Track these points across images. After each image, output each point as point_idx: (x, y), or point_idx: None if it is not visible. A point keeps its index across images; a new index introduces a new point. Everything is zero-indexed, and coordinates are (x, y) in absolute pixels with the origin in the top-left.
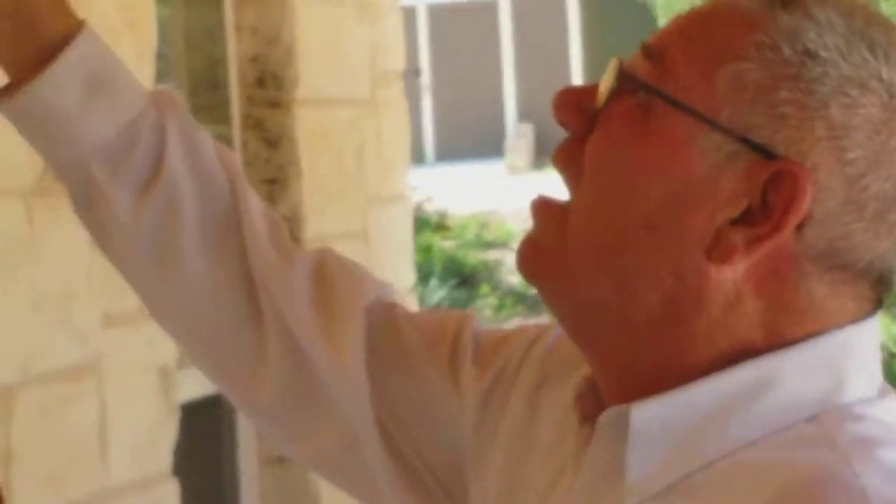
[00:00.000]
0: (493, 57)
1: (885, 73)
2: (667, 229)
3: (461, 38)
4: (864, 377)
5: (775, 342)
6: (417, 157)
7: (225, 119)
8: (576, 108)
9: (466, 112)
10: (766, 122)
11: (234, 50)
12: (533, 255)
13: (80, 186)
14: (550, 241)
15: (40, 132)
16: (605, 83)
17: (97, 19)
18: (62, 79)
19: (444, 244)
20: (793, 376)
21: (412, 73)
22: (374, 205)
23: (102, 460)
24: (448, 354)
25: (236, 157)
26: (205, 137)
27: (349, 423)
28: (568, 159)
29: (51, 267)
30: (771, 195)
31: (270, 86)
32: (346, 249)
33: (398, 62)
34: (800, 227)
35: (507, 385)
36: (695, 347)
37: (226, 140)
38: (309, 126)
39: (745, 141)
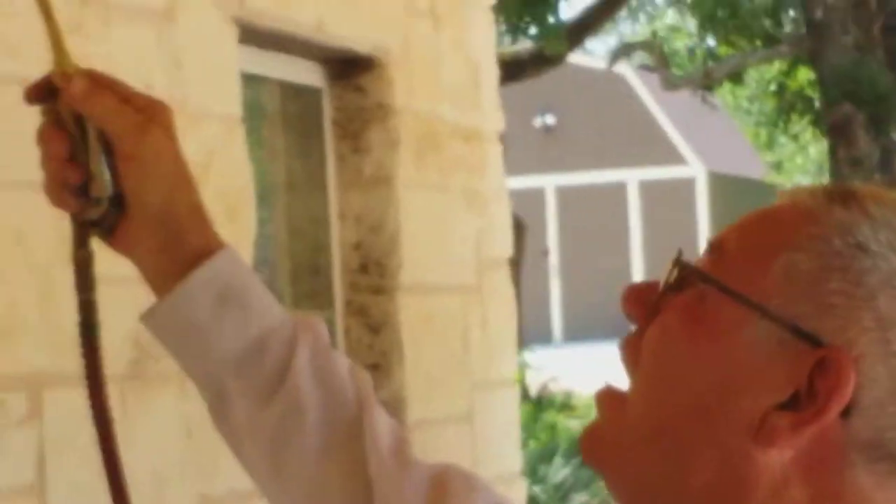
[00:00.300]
0: (622, 237)
1: None
2: (716, 413)
3: (590, 219)
4: None
5: None
6: (544, 337)
7: (328, 305)
8: (641, 301)
9: (595, 292)
10: (815, 312)
11: (337, 236)
12: (592, 445)
13: (214, 396)
14: (610, 431)
15: (177, 344)
16: (665, 275)
17: None
18: (195, 290)
19: (570, 423)
20: None
21: (541, 253)
22: (479, 389)
23: None
24: None
25: (369, 378)
26: (338, 356)
27: None
28: (630, 351)
29: (143, 451)
30: (817, 382)
31: (374, 272)
32: (451, 433)
33: (505, 249)
34: (846, 414)
35: None
36: None
37: (328, 325)
38: (412, 312)
39: (794, 329)
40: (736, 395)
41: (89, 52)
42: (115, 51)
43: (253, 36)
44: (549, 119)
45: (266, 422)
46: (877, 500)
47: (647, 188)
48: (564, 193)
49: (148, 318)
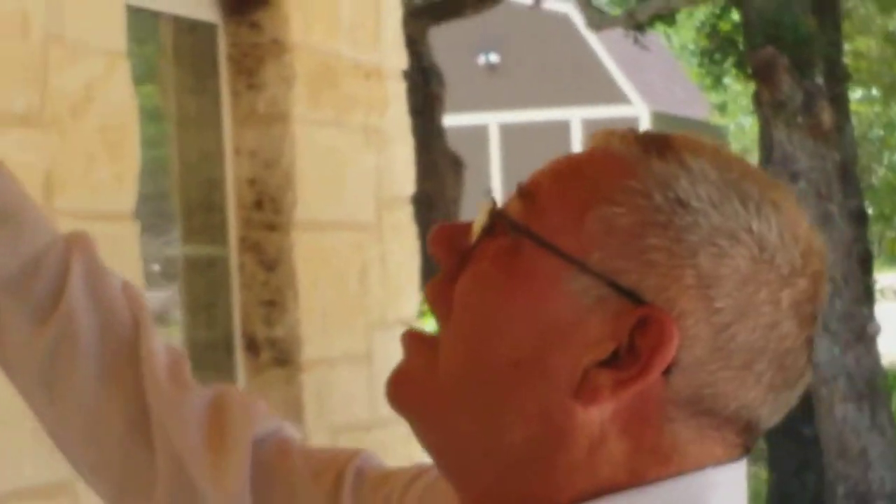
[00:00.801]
0: None
1: (755, 226)
2: (533, 368)
3: (533, 157)
4: None
5: (637, 484)
6: None
7: (222, 241)
8: (449, 245)
9: None
10: (635, 268)
11: (231, 172)
12: (401, 386)
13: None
14: (418, 373)
15: None
16: (478, 222)
17: (77, 142)
18: None
19: None
20: None
21: (483, 193)
22: (377, 329)
23: None
24: (330, 487)
25: (144, 297)
26: (113, 276)
27: None
28: (438, 296)
29: None
30: (638, 340)
31: (268, 209)
32: (348, 373)
33: (407, 188)
34: (666, 372)
35: None
36: (557, 485)
37: (222, 262)
38: (308, 249)
39: (614, 285)
40: (554, 350)
41: None
42: None
43: None
44: (493, 57)
45: (38, 347)
46: (694, 452)
47: (591, 126)
48: (508, 131)
49: None
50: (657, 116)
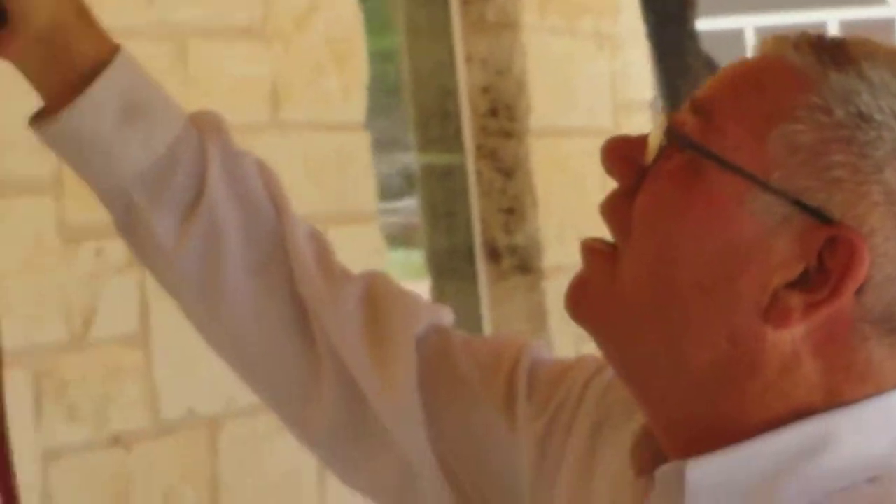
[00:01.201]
0: None
1: None
2: (720, 291)
3: None
4: None
5: (834, 404)
6: None
7: (458, 149)
8: (625, 160)
9: None
10: (820, 186)
11: (464, 81)
12: (583, 296)
13: (122, 213)
14: (601, 285)
15: (78, 159)
16: (654, 139)
17: (302, 53)
18: (95, 106)
19: None
20: (851, 436)
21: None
22: None
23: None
24: (503, 388)
25: (280, 181)
26: (249, 161)
27: (405, 454)
28: (616, 213)
29: None
30: (828, 260)
31: (503, 116)
32: None
33: (643, 92)
34: (858, 292)
35: (566, 425)
36: (751, 408)
37: (460, 170)
38: (545, 156)
39: (799, 203)
40: (740, 273)
41: None
42: None
43: None
44: None
45: (186, 243)
46: (888, 370)
47: (848, 28)
48: (764, 34)
49: (40, 127)
50: None
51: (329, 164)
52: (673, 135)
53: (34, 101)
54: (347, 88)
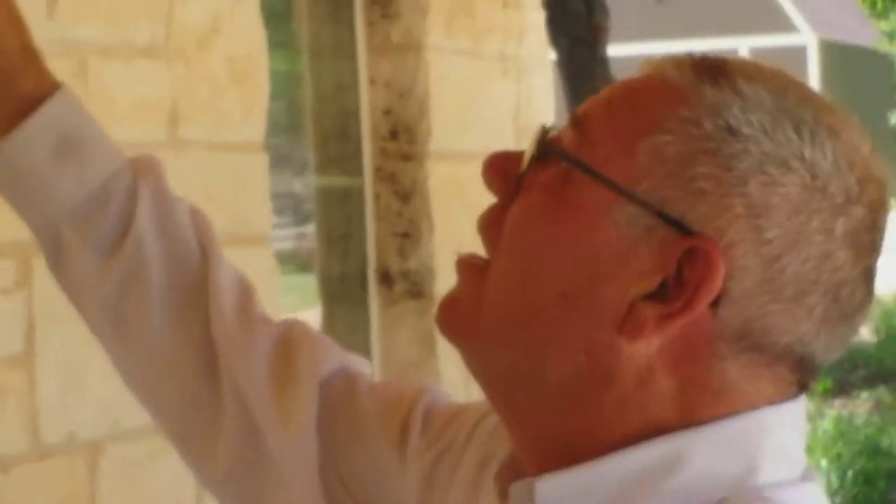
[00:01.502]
0: None
1: (807, 154)
2: (579, 300)
3: None
4: (781, 460)
5: (688, 422)
6: None
7: (357, 171)
8: (503, 174)
9: None
10: (683, 197)
11: (366, 102)
12: (449, 313)
13: (51, 245)
14: (467, 301)
15: (13, 193)
16: (529, 150)
17: (203, 73)
18: (30, 140)
19: None
20: (703, 455)
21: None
22: None
23: None
24: (399, 425)
25: (212, 225)
26: (181, 205)
27: (298, 496)
28: (490, 224)
29: None
30: (686, 271)
31: (403, 139)
32: None
33: (546, 117)
34: (715, 305)
35: (454, 462)
36: (606, 422)
37: (357, 192)
38: (443, 180)
39: (662, 215)
40: (600, 282)
41: None
42: None
43: None
44: None
45: (107, 279)
46: (745, 390)
47: (758, 56)
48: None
49: None
50: (824, 44)
51: (226, 184)
52: (545, 146)
53: None
54: (248, 108)
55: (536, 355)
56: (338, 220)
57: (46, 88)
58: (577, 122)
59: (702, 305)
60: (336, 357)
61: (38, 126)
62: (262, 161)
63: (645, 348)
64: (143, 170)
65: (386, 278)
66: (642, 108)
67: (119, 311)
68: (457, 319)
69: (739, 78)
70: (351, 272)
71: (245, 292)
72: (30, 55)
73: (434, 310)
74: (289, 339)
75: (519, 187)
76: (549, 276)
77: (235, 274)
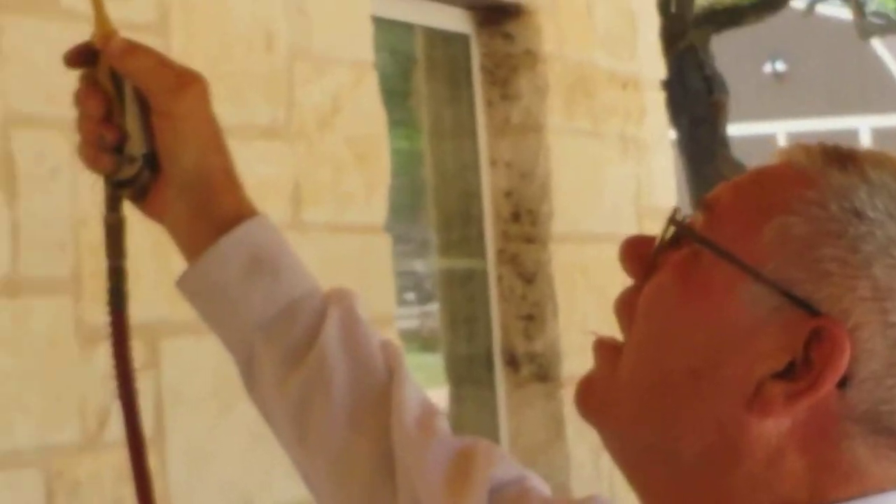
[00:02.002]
0: None
1: None
2: (709, 377)
3: None
4: None
5: (818, 503)
6: None
7: (480, 253)
8: (638, 257)
9: None
10: (810, 278)
11: (488, 184)
12: (585, 395)
13: (244, 361)
14: (603, 381)
15: (206, 305)
16: (661, 232)
17: (325, 153)
18: (225, 256)
19: None
20: None
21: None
22: None
23: None
24: None
25: (401, 353)
26: (369, 328)
27: None
28: (624, 306)
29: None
30: (813, 352)
31: (525, 221)
32: None
33: (667, 198)
34: (842, 386)
35: None
36: (738, 501)
37: (480, 274)
38: (566, 262)
39: (788, 295)
40: (729, 360)
41: (210, 2)
42: (235, 1)
43: None
44: (779, 65)
45: (292, 387)
46: (873, 473)
47: (880, 135)
48: (796, 140)
49: (181, 282)
50: None
51: (349, 265)
52: (676, 228)
53: (55, 202)
54: (370, 189)
55: (670, 432)
56: (462, 302)
57: (244, 210)
58: (706, 206)
59: (828, 385)
60: (513, 469)
61: (233, 244)
62: (384, 242)
63: (774, 427)
64: (335, 296)
65: (512, 360)
66: (769, 190)
67: (302, 418)
68: (594, 400)
69: (867, 164)
70: (477, 353)
71: (429, 409)
72: (231, 179)
73: (561, 392)
74: (469, 450)
75: (652, 268)
76: (679, 353)
77: (421, 393)
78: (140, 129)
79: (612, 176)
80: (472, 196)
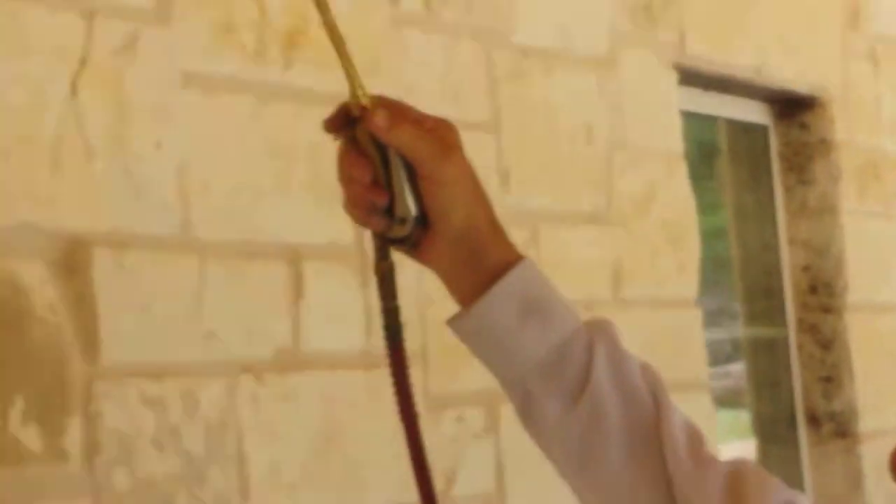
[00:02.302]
0: None
1: None
2: None
3: None
4: None
5: None
6: None
7: (781, 323)
8: None
9: None
10: None
11: (787, 260)
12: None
13: (519, 398)
14: None
15: (482, 348)
16: None
17: (641, 236)
18: (499, 302)
19: None
20: None
21: None
22: None
23: None
24: None
25: (661, 376)
26: (632, 358)
27: None
28: None
29: None
30: None
31: (822, 293)
32: None
33: None
34: None
35: None
36: None
37: (782, 342)
38: (861, 330)
39: None
40: None
41: (532, 97)
42: (555, 95)
43: (697, 78)
44: None
45: (570, 425)
46: None
47: None
48: None
49: (454, 324)
50: None
51: (665, 336)
52: None
53: (402, 284)
54: (682, 267)
55: None
56: (766, 366)
57: (510, 256)
58: None
59: None
60: (783, 492)
61: (506, 290)
62: (696, 315)
63: None
64: (598, 329)
65: (813, 419)
66: None
67: (581, 454)
68: None
69: None
70: (781, 413)
71: (695, 434)
72: (496, 228)
73: (859, 447)
74: (738, 473)
75: None
76: None
77: (684, 418)
78: (408, 192)
79: None
80: (773, 271)
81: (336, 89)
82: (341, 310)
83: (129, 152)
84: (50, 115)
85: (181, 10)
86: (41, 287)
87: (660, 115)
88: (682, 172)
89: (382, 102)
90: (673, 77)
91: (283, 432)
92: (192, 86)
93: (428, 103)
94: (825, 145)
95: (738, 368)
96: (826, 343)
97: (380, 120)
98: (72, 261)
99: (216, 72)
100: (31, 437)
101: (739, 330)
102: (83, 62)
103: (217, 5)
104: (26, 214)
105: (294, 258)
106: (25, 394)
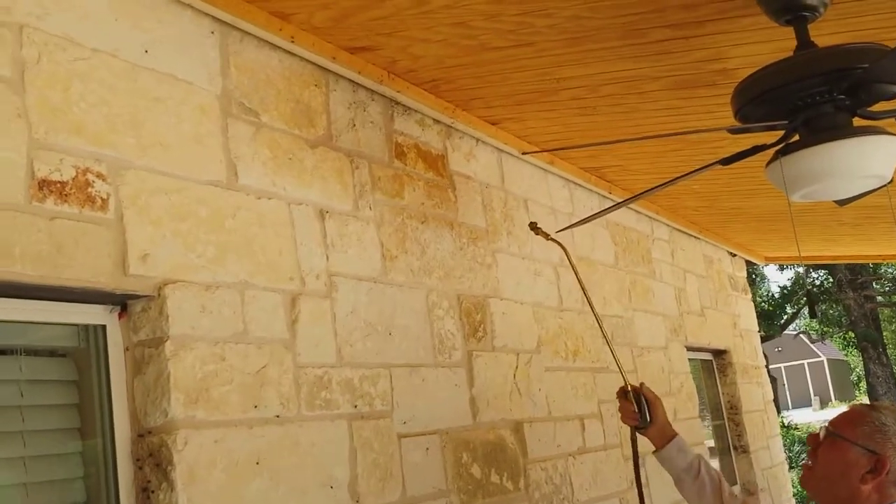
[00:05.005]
0: None
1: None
2: (847, 477)
3: None
4: None
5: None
6: None
7: None
8: (814, 443)
9: None
10: (877, 445)
11: None
12: (804, 483)
13: (676, 478)
14: (810, 477)
15: (666, 464)
16: (822, 434)
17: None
18: (673, 449)
19: None
20: None
21: None
22: None
23: None
24: None
25: (721, 474)
26: (711, 467)
27: None
28: (812, 450)
29: None
30: (878, 465)
31: None
32: None
33: None
34: (887, 473)
35: None
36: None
37: None
38: None
39: (868, 450)
40: (850, 472)
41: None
42: None
43: None
44: None
45: (693, 487)
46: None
47: None
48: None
49: (656, 455)
50: None
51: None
52: (829, 434)
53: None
54: None
55: (837, 495)
56: None
57: (674, 433)
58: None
59: (881, 476)
60: None
61: (676, 443)
62: None
63: (867, 488)
64: (700, 456)
65: None
66: (859, 429)
67: (695, 494)
68: (808, 482)
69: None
70: None
71: (728, 487)
72: (669, 423)
73: None
74: (752, 499)
75: (818, 444)
76: (838, 473)
77: (727, 485)
78: (646, 413)
79: None
80: None
81: None
82: None
83: None
84: None
85: None
86: None
87: None
88: None
89: (642, 385)
90: None
91: None
92: None
93: None
94: None
95: None
96: None
97: (649, 394)
98: None
99: None
100: None
101: None
102: None
103: None
104: None
105: None
106: None
